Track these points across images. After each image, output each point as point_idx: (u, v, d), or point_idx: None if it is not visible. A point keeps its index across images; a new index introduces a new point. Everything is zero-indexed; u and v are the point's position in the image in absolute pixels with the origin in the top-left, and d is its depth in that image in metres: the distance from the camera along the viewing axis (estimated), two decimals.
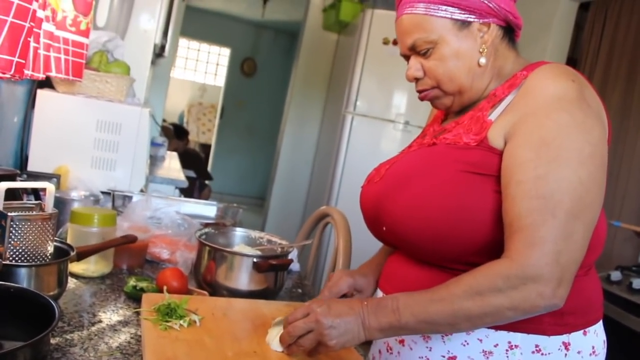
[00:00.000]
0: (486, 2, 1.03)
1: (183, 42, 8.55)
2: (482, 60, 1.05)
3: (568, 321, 1.00)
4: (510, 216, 0.91)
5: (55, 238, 1.18)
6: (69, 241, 1.32)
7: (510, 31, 1.10)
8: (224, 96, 8.71)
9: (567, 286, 0.88)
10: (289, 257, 1.43)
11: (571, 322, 1.00)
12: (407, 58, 1.12)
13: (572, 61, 3.92)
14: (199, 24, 7.85)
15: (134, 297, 1.25)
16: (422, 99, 1.14)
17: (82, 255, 1.24)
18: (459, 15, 1.03)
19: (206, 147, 8.93)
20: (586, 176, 0.90)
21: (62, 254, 1.18)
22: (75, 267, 1.32)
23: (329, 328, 0.93)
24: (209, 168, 8.22)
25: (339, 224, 1.78)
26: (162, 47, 3.41)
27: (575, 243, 0.88)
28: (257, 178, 8.55)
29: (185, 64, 9.11)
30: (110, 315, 1.14)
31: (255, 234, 1.53)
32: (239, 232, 1.54)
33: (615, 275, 2.41)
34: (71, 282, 1.29)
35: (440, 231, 0.97)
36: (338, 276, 1.22)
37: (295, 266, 1.71)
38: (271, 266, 1.33)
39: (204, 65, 9.25)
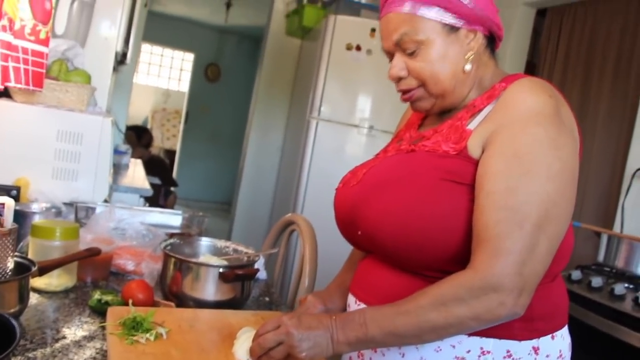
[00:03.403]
0: (476, 10, 1.04)
1: (146, 47, 8.45)
2: (467, 67, 1.07)
3: (537, 326, 1.02)
4: (478, 226, 0.93)
5: (16, 253, 1.16)
6: (30, 255, 1.30)
7: (491, 41, 1.12)
8: (188, 101, 8.64)
9: (528, 296, 0.91)
10: (256, 265, 1.43)
11: (540, 328, 1.03)
12: (390, 55, 1.11)
13: (531, 65, 4.02)
14: (162, 29, 7.78)
15: (99, 311, 1.23)
16: (405, 100, 1.13)
17: (44, 270, 1.22)
18: (449, 19, 1.04)
19: (171, 153, 8.84)
20: (554, 191, 0.92)
21: (23, 269, 1.16)
22: (37, 281, 1.29)
23: (300, 341, 0.94)
24: (174, 174, 8.14)
25: (304, 231, 1.79)
26: (124, 54, 3.36)
27: (539, 255, 0.91)
28: (223, 183, 8.50)
29: (148, 69, 9.00)
30: (74, 331, 1.13)
31: (220, 243, 1.53)
32: (205, 241, 1.53)
33: (576, 274, 2.47)
34: (33, 298, 1.26)
35: (417, 238, 0.98)
36: (311, 302, 1.24)
37: (262, 274, 1.71)
38: (237, 276, 1.33)
39: (168, 71, 9.16)
